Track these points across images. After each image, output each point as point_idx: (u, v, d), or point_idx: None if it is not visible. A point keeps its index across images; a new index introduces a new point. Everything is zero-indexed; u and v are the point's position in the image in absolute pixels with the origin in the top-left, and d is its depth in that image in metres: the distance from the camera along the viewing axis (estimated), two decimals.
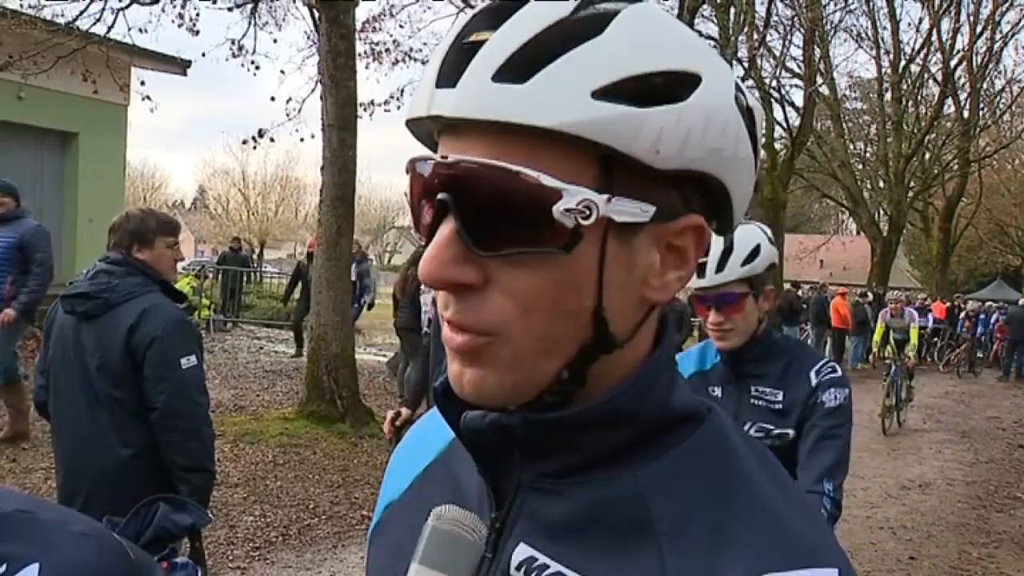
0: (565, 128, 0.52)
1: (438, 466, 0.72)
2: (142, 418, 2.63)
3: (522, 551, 0.60)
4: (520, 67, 0.53)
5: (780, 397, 2.07)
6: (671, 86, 0.55)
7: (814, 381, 2.05)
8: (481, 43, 0.55)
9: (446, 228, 0.56)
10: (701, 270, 2.00)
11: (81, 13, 9.41)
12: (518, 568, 0.59)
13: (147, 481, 2.60)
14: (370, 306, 11.69)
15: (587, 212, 0.53)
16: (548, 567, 0.58)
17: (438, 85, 0.55)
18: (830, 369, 2.09)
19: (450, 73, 0.55)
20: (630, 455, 0.59)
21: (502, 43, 0.54)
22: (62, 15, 9.78)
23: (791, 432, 2.04)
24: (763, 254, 2.01)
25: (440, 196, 0.55)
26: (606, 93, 0.53)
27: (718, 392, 2.17)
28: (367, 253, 12.62)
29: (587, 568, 0.57)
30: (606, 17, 0.55)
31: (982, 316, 18.88)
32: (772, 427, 2.07)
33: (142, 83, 11.56)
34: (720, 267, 1.99)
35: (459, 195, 0.55)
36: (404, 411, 3.85)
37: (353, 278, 11.14)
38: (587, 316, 0.57)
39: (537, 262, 0.55)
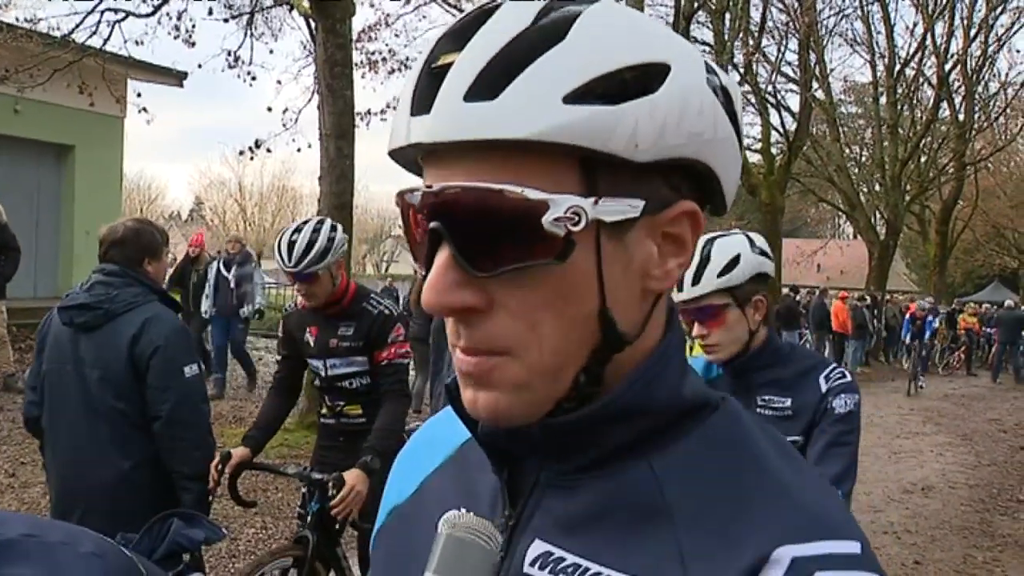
0: (539, 136, 0.52)
1: (448, 468, 0.72)
2: (143, 429, 2.62)
3: (537, 547, 0.60)
4: (489, 84, 0.53)
5: (788, 403, 2.03)
6: (641, 80, 0.55)
7: (824, 387, 2.01)
8: (449, 66, 0.55)
9: (442, 255, 0.56)
10: (680, 283, 1.92)
11: (77, 26, 9.46)
12: (533, 563, 0.59)
13: (146, 493, 2.60)
14: (260, 315, 9.75)
15: (576, 218, 0.54)
16: (564, 559, 0.58)
17: (413, 113, 0.56)
18: (839, 375, 2.04)
19: (423, 99, 0.55)
20: (646, 446, 0.60)
21: (468, 63, 0.54)
22: (58, 28, 9.83)
23: (799, 439, 2.00)
24: (744, 264, 1.94)
25: (432, 225, 0.56)
26: (577, 96, 0.53)
27: None
28: (251, 253, 10.33)
29: (601, 555, 0.57)
30: (567, 21, 0.55)
31: (929, 319, 18.79)
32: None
33: (138, 95, 11.65)
34: (696, 279, 1.92)
35: (449, 221, 0.55)
36: (238, 451, 2.98)
37: (232, 285, 9.18)
38: (594, 320, 0.57)
39: (536, 276, 0.55)
